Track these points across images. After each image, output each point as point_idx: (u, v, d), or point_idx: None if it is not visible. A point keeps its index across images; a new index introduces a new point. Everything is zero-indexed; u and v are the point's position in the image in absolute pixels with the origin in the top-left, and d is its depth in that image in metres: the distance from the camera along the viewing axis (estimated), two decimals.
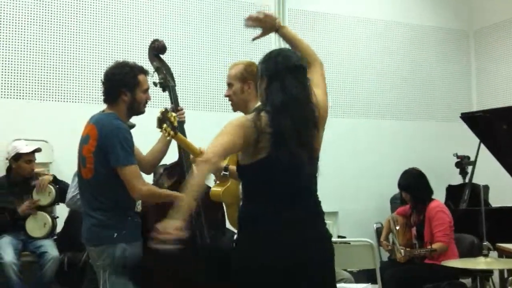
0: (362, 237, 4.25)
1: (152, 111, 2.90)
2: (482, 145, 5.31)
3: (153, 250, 1.99)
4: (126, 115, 2.91)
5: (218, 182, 3.03)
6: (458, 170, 5.57)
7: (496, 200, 5.72)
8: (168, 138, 2.94)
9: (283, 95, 2.20)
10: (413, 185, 4.46)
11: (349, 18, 6.27)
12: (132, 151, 2.77)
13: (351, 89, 6.17)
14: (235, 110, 2.90)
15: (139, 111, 2.93)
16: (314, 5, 6.08)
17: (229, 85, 2.88)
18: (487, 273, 4.35)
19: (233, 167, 2.69)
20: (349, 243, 3.99)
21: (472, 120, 5.30)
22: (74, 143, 2.92)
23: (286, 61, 2.27)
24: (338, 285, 4.05)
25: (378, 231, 5.18)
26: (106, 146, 2.72)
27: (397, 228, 4.53)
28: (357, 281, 4.55)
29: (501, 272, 4.47)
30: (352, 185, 5.91)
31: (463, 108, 6.24)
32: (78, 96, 5.01)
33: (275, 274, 2.13)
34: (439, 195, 4.93)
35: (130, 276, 2.74)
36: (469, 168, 5.38)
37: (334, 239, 4.51)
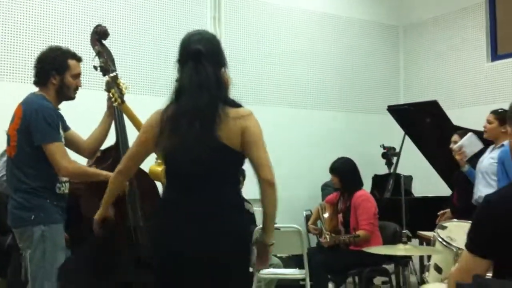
0: (292, 224, 4.35)
1: (92, 94, 2.88)
2: (407, 137, 5.56)
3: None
4: (56, 99, 2.91)
5: (159, 161, 3.06)
6: (384, 160, 5.77)
7: (420, 190, 6.02)
8: (114, 104, 3.02)
9: (179, 83, 2.22)
10: (345, 171, 4.58)
11: (284, 8, 6.32)
12: (57, 129, 2.79)
13: (284, 79, 6.25)
14: None
15: (69, 95, 2.94)
16: None
17: None
18: (406, 259, 4.60)
19: None
20: (279, 229, 4.08)
21: (398, 112, 5.53)
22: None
23: (186, 46, 2.25)
24: (267, 270, 4.21)
25: (308, 218, 5.33)
26: (30, 124, 2.74)
27: (325, 215, 4.68)
28: (286, 266, 4.69)
29: (421, 258, 4.72)
30: (284, 173, 5.99)
31: (391, 101, 6.46)
32: (13, 76, 4.84)
33: (166, 266, 2.20)
34: (366, 184, 5.11)
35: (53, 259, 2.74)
36: (395, 159, 5.60)
37: None
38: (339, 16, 6.76)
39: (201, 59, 2.19)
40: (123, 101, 3.04)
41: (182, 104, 2.18)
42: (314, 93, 6.48)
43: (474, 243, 1.76)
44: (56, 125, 2.78)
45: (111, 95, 3.00)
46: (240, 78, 5.83)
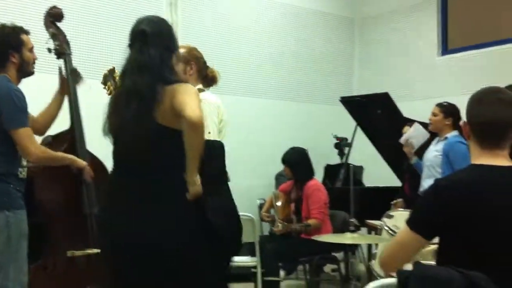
0: (247, 212, 4.39)
1: (45, 78, 2.84)
2: (359, 128, 5.67)
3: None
4: (17, 78, 2.88)
5: None
6: (337, 151, 5.87)
7: (371, 180, 6.16)
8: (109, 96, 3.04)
9: (124, 65, 2.24)
10: (296, 161, 4.67)
11: None
12: (26, 113, 2.77)
13: (239, 68, 6.23)
14: None
15: (29, 71, 2.92)
16: None
17: None
18: (354, 247, 4.72)
19: None
20: None
21: (351, 104, 5.63)
22: None
23: (133, 28, 2.28)
24: None
25: (262, 207, 5.38)
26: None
27: (278, 204, 4.75)
28: (238, 254, 4.73)
29: (369, 246, 4.85)
30: (238, 162, 6.03)
31: (345, 92, 6.55)
32: None
33: (106, 250, 2.28)
34: (318, 174, 5.20)
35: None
36: (347, 150, 5.70)
37: None
38: (297, 6, 6.79)
39: (146, 40, 2.20)
40: None
41: (123, 85, 2.20)
42: (269, 82, 6.50)
43: (415, 221, 1.81)
44: (25, 108, 2.75)
45: (106, 88, 2.97)
46: None
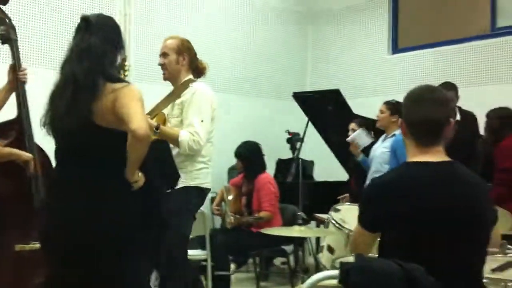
0: None
1: None
2: (310, 123, 5.75)
3: None
4: None
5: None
6: (289, 145, 5.93)
7: (321, 174, 6.27)
8: None
9: (66, 52, 2.22)
10: (248, 156, 4.71)
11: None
12: None
13: None
14: (165, 79, 3.24)
15: None
16: None
17: (164, 54, 3.21)
18: (303, 240, 4.80)
19: (163, 127, 3.02)
20: None
21: (303, 99, 5.70)
22: None
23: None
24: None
25: (213, 201, 5.40)
26: None
27: (229, 197, 4.78)
28: (190, 247, 4.73)
29: (318, 240, 4.94)
30: None
31: (298, 88, 6.63)
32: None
33: (41, 242, 2.29)
34: (270, 168, 5.25)
35: None
36: (299, 144, 5.77)
37: None
38: (251, 1, 6.81)
39: (88, 28, 2.18)
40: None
41: (62, 73, 2.15)
42: (222, 77, 6.49)
43: (360, 218, 1.93)
44: None
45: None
46: (145, 56, 5.75)
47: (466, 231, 1.81)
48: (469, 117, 4.38)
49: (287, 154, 6.06)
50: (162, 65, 3.24)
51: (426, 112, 1.87)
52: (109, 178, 2.14)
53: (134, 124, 2.01)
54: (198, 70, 3.34)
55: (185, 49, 3.25)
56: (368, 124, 4.70)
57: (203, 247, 4.33)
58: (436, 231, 1.79)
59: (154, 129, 2.92)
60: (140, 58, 5.70)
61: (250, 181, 4.63)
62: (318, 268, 3.79)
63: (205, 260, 4.21)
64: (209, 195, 6.00)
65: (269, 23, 6.98)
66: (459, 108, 4.34)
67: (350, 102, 5.47)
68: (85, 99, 2.07)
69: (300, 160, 5.40)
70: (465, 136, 4.08)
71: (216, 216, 5.26)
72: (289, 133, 5.98)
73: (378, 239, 1.93)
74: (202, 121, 3.13)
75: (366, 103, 5.99)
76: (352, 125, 4.74)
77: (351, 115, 5.19)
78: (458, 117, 4.22)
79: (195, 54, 3.33)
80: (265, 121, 6.67)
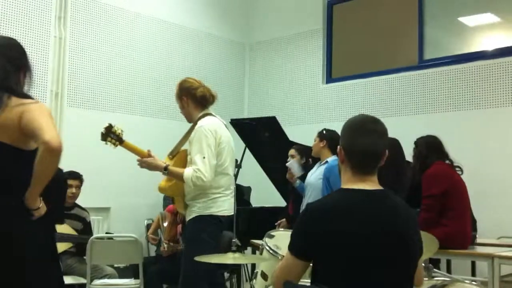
0: (133, 233, 4.31)
1: None
2: (248, 149, 5.80)
3: None
4: None
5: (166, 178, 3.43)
6: None
7: (258, 200, 6.30)
8: (115, 147, 3.28)
9: None
10: None
11: (129, 13, 6.25)
12: None
13: (124, 86, 6.13)
14: (188, 121, 3.56)
15: None
16: None
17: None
18: (238, 267, 4.80)
19: (171, 167, 3.29)
20: (112, 239, 4.04)
21: (240, 126, 5.75)
22: None
23: None
24: (100, 281, 4.12)
25: (149, 227, 5.31)
26: None
27: (165, 224, 4.71)
28: (122, 276, 4.62)
29: (253, 265, 4.94)
30: (125, 181, 5.92)
31: (235, 114, 6.67)
32: None
33: None
34: None
35: None
36: (236, 170, 5.79)
37: (100, 234, 4.53)
38: (191, 29, 6.85)
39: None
40: (122, 142, 3.24)
41: None
42: (158, 101, 6.46)
43: (292, 246, 1.92)
44: None
45: (109, 143, 3.17)
46: (80, 81, 5.68)
47: (396, 256, 1.85)
48: (395, 142, 4.52)
49: None
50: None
51: (368, 143, 1.91)
52: (13, 204, 2.08)
53: (47, 135, 1.98)
54: (197, 100, 3.49)
55: (182, 92, 3.44)
56: (307, 151, 4.78)
57: (136, 276, 4.25)
58: (368, 255, 1.82)
59: (163, 170, 3.27)
60: (74, 83, 5.61)
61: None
62: None
63: None
64: (145, 222, 5.97)
65: (207, 51, 7.05)
66: None
67: (286, 129, 5.56)
68: None
69: (237, 186, 5.41)
70: (394, 161, 4.19)
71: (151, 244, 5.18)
72: None
73: (311, 264, 1.95)
74: (204, 157, 3.19)
75: (302, 130, 6.11)
76: (292, 151, 4.81)
77: (287, 142, 5.27)
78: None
79: (196, 87, 3.47)
80: None
